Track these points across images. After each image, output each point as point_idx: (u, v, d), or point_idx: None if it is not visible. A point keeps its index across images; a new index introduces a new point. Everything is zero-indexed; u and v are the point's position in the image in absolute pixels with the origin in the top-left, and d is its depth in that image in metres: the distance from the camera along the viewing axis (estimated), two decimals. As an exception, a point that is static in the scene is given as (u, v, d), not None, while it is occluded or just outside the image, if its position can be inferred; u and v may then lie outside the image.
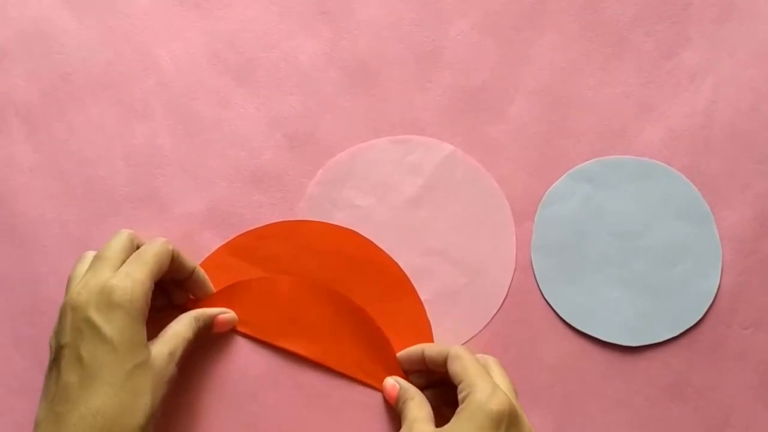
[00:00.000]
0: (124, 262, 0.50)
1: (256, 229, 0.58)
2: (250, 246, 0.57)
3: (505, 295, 0.58)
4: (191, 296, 0.56)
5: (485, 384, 0.48)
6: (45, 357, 0.55)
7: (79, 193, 0.59)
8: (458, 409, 0.48)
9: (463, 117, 0.59)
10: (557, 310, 0.57)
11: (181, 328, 0.52)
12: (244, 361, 0.57)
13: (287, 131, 0.59)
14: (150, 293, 0.49)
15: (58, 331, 0.48)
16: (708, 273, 0.57)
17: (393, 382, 0.55)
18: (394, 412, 0.55)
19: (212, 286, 0.56)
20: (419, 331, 0.57)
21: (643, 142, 0.59)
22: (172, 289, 0.56)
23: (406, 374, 0.56)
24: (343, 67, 0.60)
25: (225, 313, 0.56)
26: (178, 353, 0.50)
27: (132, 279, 0.48)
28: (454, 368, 0.50)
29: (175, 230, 0.58)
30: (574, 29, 0.60)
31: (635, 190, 0.58)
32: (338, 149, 0.59)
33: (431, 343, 0.55)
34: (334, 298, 0.56)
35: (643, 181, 0.58)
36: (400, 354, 0.56)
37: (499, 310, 0.58)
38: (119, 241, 0.51)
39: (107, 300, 0.47)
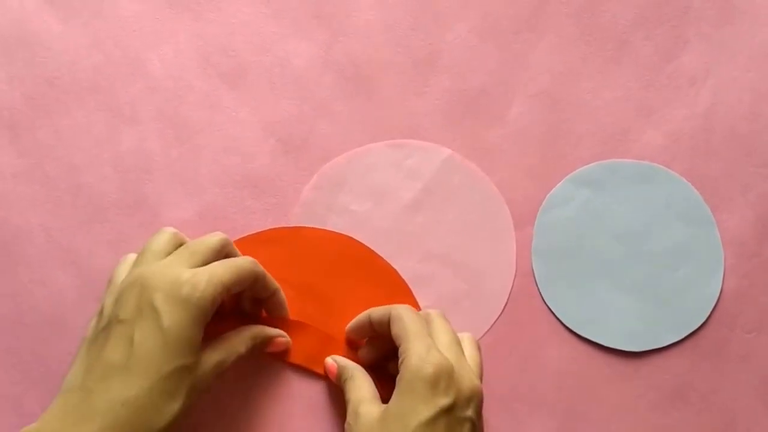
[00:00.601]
0: (206, 263, 0.50)
1: (251, 235, 0.58)
2: (244, 252, 0.56)
3: (506, 301, 0.58)
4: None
5: (419, 346, 0.48)
6: (30, 370, 0.56)
7: (65, 200, 0.59)
8: (398, 378, 0.48)
9: (461, 121, 0.60)
10: (558, 316, 0.58)
11: (237, 341, 0.52)
12: (239, 370, 0.56)
13: (281, 136, 0.60)
14: (219, 300, 0.49)
15: (119, 302, 0.48)
16: (710, 276, 0.58)
17: (331, 361, 0.55)
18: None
19: (288, 309, 0.56)
20: (418, 338, 0.57)
21: (643, 145, 0.60)
22: (246, 303, 0.56)
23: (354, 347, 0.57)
24: (339, 71, 0.60)
25: (283, 336, 0.55)
26: (226, 365, 0.50)
27: (207, 280, 0.48)
28: (395, 330, 0.50)
29: (166, 237, 0.58)
30: (573, 33, 0.61)
31: (636, 193, 0.59)
32: (334, 154, 0.60)
33: (377, 307, 0.55)
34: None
35: (644, 185, 0.59)
36: (348, 325, 0.56)
37: (500, 315, 0.58)
38: (212, 242, 0.51)
39: (177, 292, 0.47)
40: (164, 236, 0.52)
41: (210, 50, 0.60)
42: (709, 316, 0.58)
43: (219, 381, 0.51)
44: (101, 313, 0.50)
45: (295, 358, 0.57)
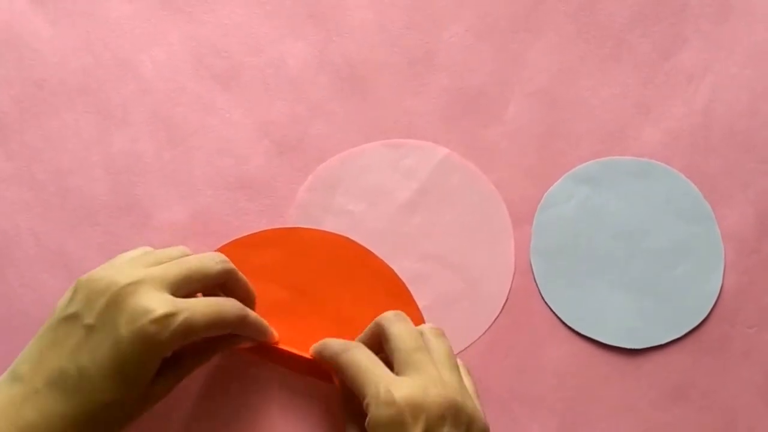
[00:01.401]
0: (197, 290, 0.50)
1: (246, 236, 0.59)
2: (240, 254, 0.58)
3: (505, 300, 0.59)
4: None
5: (372, 390, 0.47)
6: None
7: (54, 203, 0.59)
8: (366, 427, 0.47)
9: (458, 121, 0.61)
10: (558, 314, 0.59)
11: (195, 359, 0.52)
12: (240, 368, 0.57)
13: (275, 137, 0.60)
14: (186, 342, 0.47)
15: (90, 300, 0.47)
16: (710, 273, 0.59)
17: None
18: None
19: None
20: (417, 338, 0.58)
21: (642, 142, 0.61)
22: None
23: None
24: (333, 71, 0.61)
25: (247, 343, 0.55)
26: (176, 385, 0.50)
27: (179, 323, 0.46)
28: (349, 381, 0.50)
29: (158, 239, 0.59)
30: (571, 31, 0.62)
31: (635, 190, 0.60)
32: (329, 155, 0.60)
33: (325, 342, 0.54)
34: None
35: (643, 182, 0.60)
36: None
37: (499, 314, 0.59)
38: (213, 272, 0.50)
39: (144, 326, 0.45)
40: (175, 253, 0.52)
41: (203, 51, 0.61)
42: (710, 313, 0.59)
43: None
44: (75, 290, 0.48)
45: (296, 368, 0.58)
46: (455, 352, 0.57)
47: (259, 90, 0.61)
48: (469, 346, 0.58)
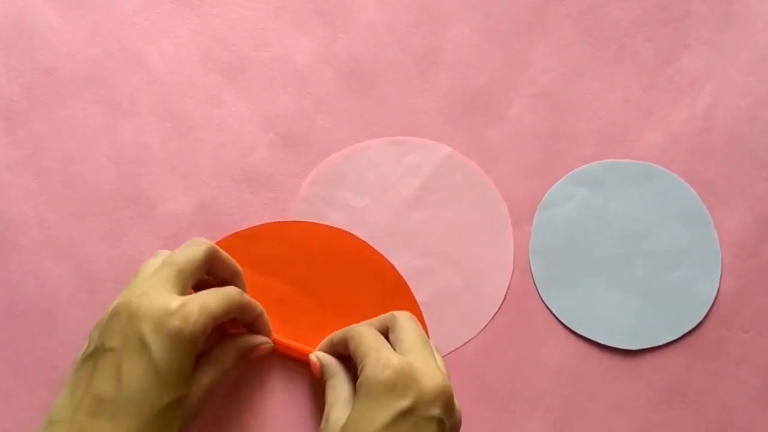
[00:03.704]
0: (195, 277, 0.50)
1: (247, 229, 0.58)
2: (240, 246, 0.58)
3: (503, 298, 0.59)
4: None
5: (374, 354, 0.48)
6: (20, 359, 0.56)
7: (60, 191, 0.59)
8: (356, 386, 0.48)
9: (461, 119, 0.61)
10: (556, 313, 0.59)
11: (224, 357, 0.52)
12: (253, 362, 0.57)
13: (280, 131, 0.60)
14: (209, 330, 0.48)
15: (106, 329, 0.47)
16: (708, 276, 0.59)
17: (315, 358, 0.55)
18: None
19: (273, 330, 0.56)
20: (416, 334, 0.58)
21: (643, 146, 0.61)
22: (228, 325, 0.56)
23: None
24: (339, 67, 0.61)
25: (266, 344, 0.55)
26: (215, 384, 0.50)
27: (198, 311, 0.47)
28: (352, 348, 0.51)
29: (162, 229, 0.59)
30: (575, 34, 0.62)
31: (634, 193, 0.60)
32: (333, 150, 0.60)
33: (337, 331, 0.55)
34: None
35: (643, 185, 0.60)
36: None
37: (497, 312, 0.59)
38: (198, 257, 0.50)
39: (167, 324, 0.46)
40: (159, 261, 0.52)
41: (210, 44, 0.61)
42: (707, 316, 0.59)
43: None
44: (89, 336, 0.49)
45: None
46: (453, 349, 0.58)
47: (265, 84, 0.61)
48: (467, 343, 0.58)
